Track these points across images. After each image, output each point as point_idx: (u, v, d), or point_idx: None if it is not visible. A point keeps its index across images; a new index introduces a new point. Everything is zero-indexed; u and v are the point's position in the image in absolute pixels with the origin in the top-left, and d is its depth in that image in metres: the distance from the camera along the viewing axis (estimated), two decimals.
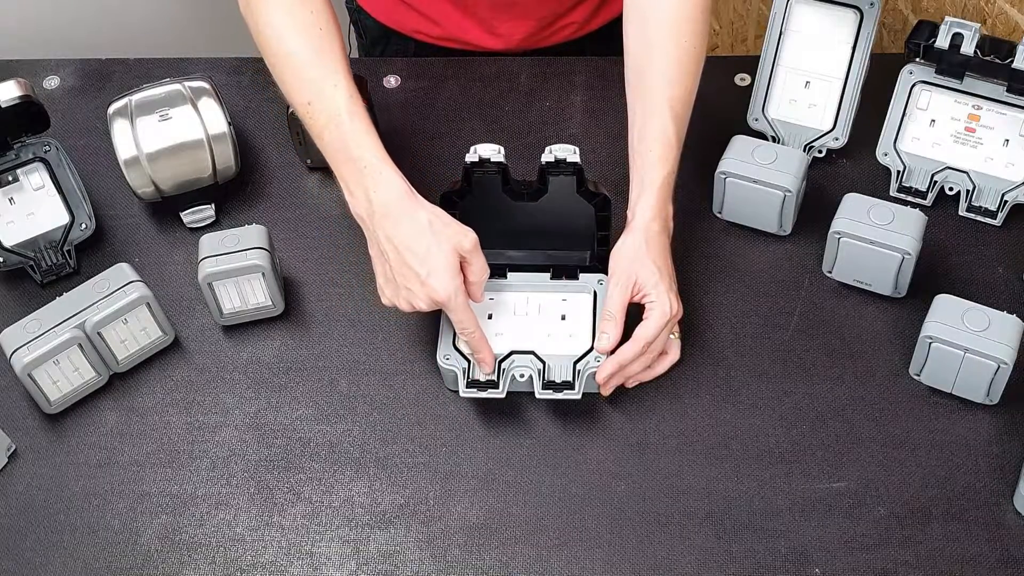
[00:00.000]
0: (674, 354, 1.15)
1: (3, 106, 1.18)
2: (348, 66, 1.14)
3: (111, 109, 1.24)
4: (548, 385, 1.10)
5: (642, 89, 1.16)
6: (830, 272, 1.19)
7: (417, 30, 1.44)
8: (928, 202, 1.25)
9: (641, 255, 1.10)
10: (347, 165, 1.11)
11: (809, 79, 1.27)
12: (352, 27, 1.55)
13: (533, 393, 1.10)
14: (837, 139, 1.27)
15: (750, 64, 1.34)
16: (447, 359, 1.12)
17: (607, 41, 1.36)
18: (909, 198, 1.25)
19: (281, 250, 1.24)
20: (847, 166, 1.29)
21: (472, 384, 1.11)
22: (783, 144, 1.28)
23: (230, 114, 1.26)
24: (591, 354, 1.11)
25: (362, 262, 1.24)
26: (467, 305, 1.09)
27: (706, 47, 1.18)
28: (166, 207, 1.28)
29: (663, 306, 1.09)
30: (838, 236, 1.15)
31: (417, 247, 1.07)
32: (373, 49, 1.51)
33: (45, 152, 1.25)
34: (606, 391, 1.12)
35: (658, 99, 1.14)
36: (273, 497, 1.10)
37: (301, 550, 1.07)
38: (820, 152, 1.29)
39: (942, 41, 1.18)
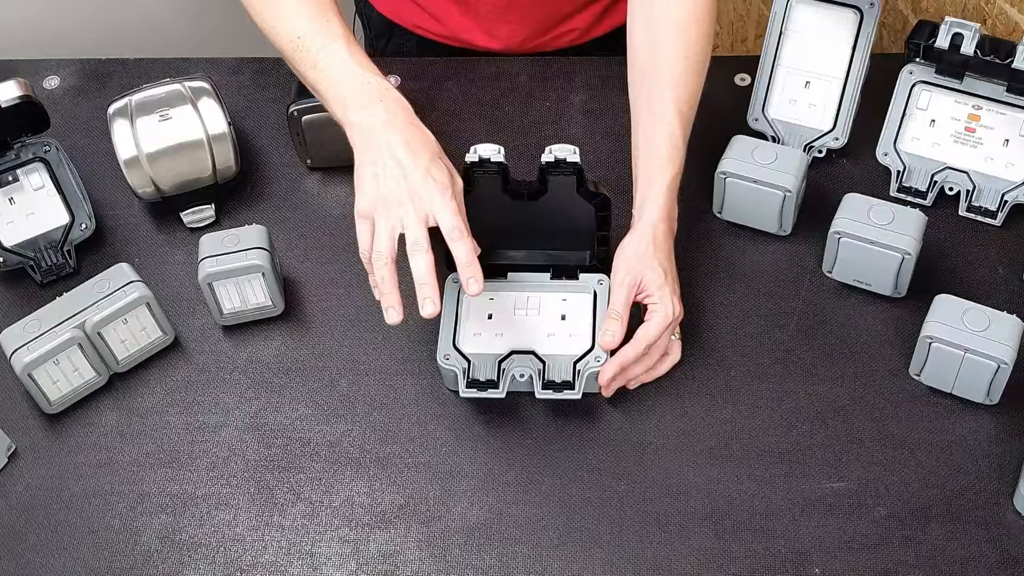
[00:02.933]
0: (675, 354, 1.15)
1: (3, 106, 1.18)
2: (338, 7, 1.14)
3: (111, 109, 1.24)
4: (548, 385, 1.10)
5: (648, 89, 1.16)
6: (830, 272, 1.19)
7: (418, 25, 1.44)
8: (928, 202, 1.25)
9: (647, 256, 1.10)
10: (350, 82, 1.10)
11: (809, 79, 1.27)
12: (357, 18, 1.56)
13: (533, 393, 1.11)
14: (837, 139, 1.27)
15: (750, 64, 1.34)
16: (447, 359, 1.12)
17: (610, 49, 1.36)
18: (909, 198, 1.25)
19: (281, 250, 1.24)
20: (847, 166, 1.29)
21: (472, 384, 1.11)
22: (783, 144, 1.28)
23: (230, 114, 1.26)
24: (591, 354, 1.11)
25: (362, 262, 1.24)
26: (461, 206, 1.07)
27: (711, 48, 1.19)
28: (166, 207, 1.28)
29: (666, 309, 1.09)
30: (838, 236, 1.15)
31: (431, 150, 1.08)
32: (377, 42, 1.52)
33: (45, 152, 1.25)
34: (607, 392, 1.12)
35: (665, 100, 1.14)
36: (273, 497, 1.10)
37: (301, 550, 1.07)
38: (820, 152, 1.29)
39: (942, 41, 1.18)
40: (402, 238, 1.06)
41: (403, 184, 1.06)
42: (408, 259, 1.05)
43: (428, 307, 1.04)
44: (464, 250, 1.05)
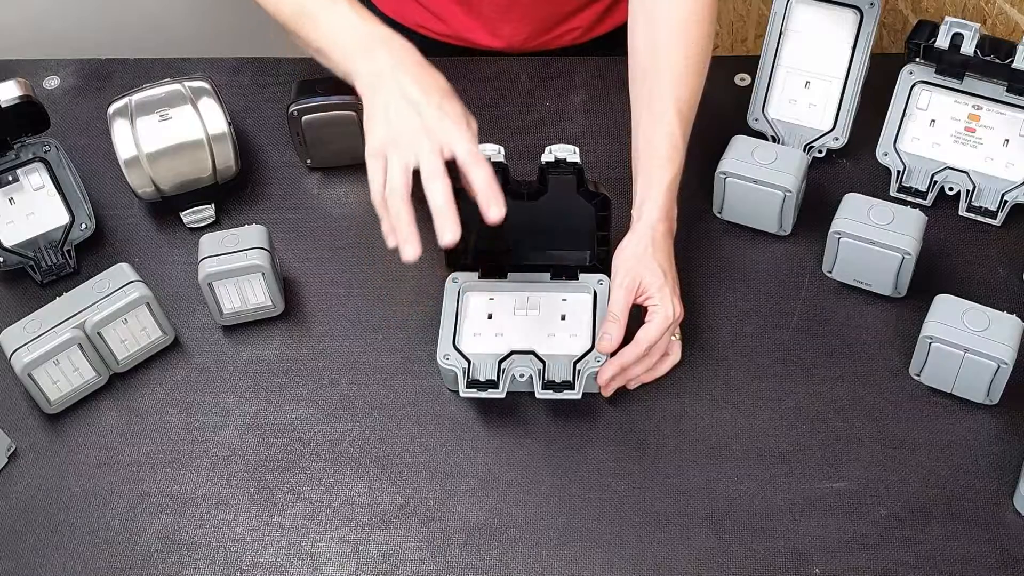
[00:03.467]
0: (675, 355, 1.15)
1: (3, 106, 1.18)
2: None
3: (111, 109, 1.24)
4: (548, 385, 1.10)
5: (648, 89, 1.16)
6: (830, 272, 1.19)
7: (421, 24, 1.44)
8: (928, 202, 1.25)
9: (647, 257, 1.10)
10: (354, 33, 1.10)
11: (809, 79, 1.27)
12: None
13: (533, 393, 1.10)
14: (837, 139, 1.27)
15: (750, 64, 1.34)
16: (447, 359, 1.12)
17: (612, 48, 1.36)
18: (909, 198, 1.25)
19: (281, 250, 1.24)
20: (847, 166, 1.29)
21: (472, 384, 1.11)
22: (783, 144, 1.28)
23: (230, 114, 1.26)
24: (591, 354, 1.11)
25: (362, 262, 1.24)
26: (476, 143, 1.05)
27: (711, 48, 1.19)
28: (166, 207, 1.28)
29: (666, 310, 1.09)
30: (838, 236, 1.15)
31: (442, 88, 1.07)
32: None
33: (45, 152, 1.25)
34: (607, 392, 1.12)
35: (665, 99, 1.14)
36: (273, 497, 1.10)
37: (301, 550, 1.07)
38: (820, 152, 1.29)
39: (942, 41, 1.18)
40: (415, 178, 1.03)
41: (417, 120, 1.04)
42: (424, 189, 1.02)
43: (447, 235, 1.01)
44: (483, 174, 1.03)
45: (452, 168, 1.05)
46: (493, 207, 1.02)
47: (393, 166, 1.04)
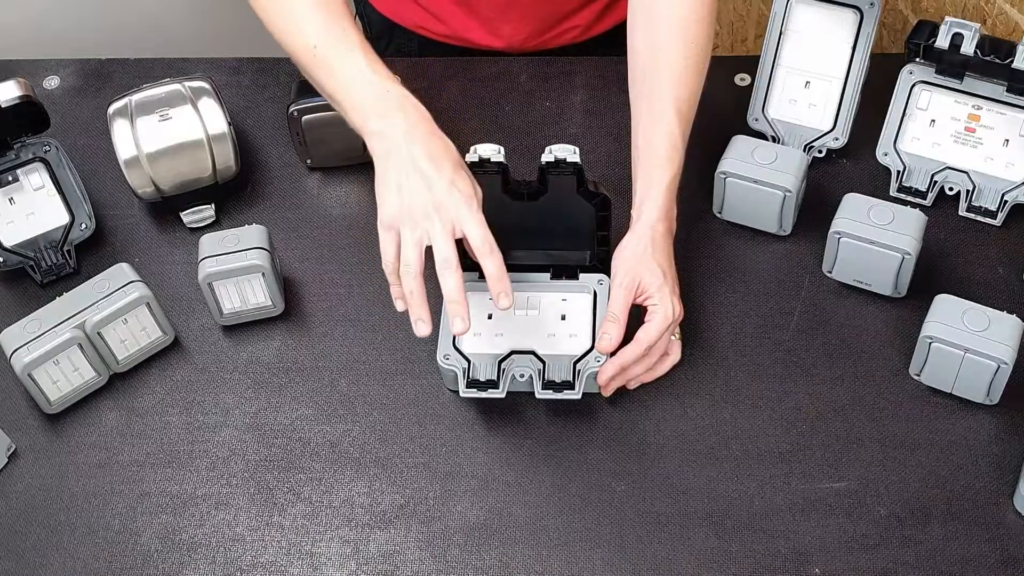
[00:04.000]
0: (675, 355, 1.15)
1: (3, 106, 1.18)
2: (351, 14, 1.14)
3: (111, 109, 1.24)
4: (548, 385, 1.10)
5: (648, 89, 1.16)
6: (830, 272, 1.19)
7: (420, 25, 1.44)
8: (928, 202, 1.25)
9: (646, 257, 1.10)
10: (370, 90, 1.10)
11: (809, 79, 1.27)
12: (357, 19, 1.56)
13: (533, 393, 1.10)
14: (837, 139, 1.27)
15: (750, 64, 1.34)
16: (447, 359, 1.12)
17: (611, 46, 1.36)
18: (909, 198, 1.25)
19: (281, 250, 1.24)
20: (847, 166, 1.29)
21: (472, 384, 1.11)
22: (783, 144, 1.28)
23: (230, 114, 1.26)
24: (591, 354, 1.11)
25: (362, 262, 1.24)
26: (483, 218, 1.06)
27: (711, 48, 1.19)
28: (166, 207, 1.28)
29: (666, 310, 1.09)
30: (838, 236, 1.15)
31: (453, 161, 1.07)
32: (377, 43, 1.51)
33: (45, 152, 1.25)
34: (607, 392, 1.12)
35: (665, 99, 1.14)
36: (273, 497, 1.10)
37: (301, 550, 1.07)
38: (820, 152, 1.29)
39: (942, 41, 1.18)
40: (428, 251, 1.05)
41: (428, 195, 1.05)
42: (437, 275, 1.04)
43: (458, 325, 1.05)
44: (495, 265, 1.06)
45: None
46: (503, 298, 1.06)
47: (407, 243, 1.05)
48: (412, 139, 1.07)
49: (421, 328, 1.06)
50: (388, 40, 1.50)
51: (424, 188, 1.06)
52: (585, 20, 1.43)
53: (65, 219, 1.24)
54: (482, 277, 1.17)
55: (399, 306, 1.08)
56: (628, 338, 1.10)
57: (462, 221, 1.05)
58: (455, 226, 1.05)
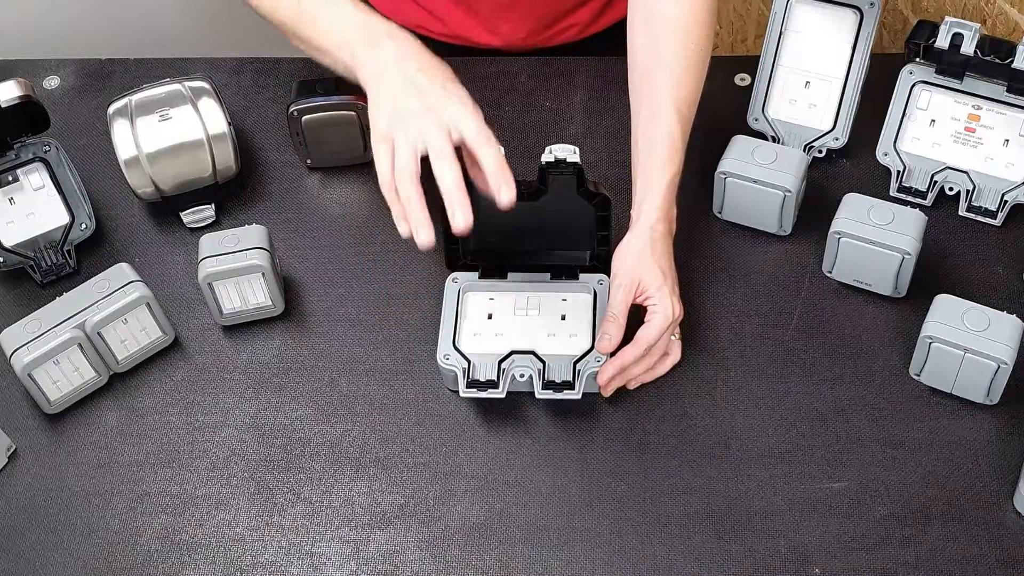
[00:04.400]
0: (675, 354, 1.15)
1: (3, 106, 1.18)
2: None
3: (111, 109, 1.24)
4: (548, 385, 1.10)
5: (648, 89, 1.16)
6: (830, 272, 1.19)
7: (420, 25, 1.44)
8: (928, 202, 1.25)
9: (645, 257, 1.10)
10: (355, 24, 1.09)
11: (809, 79, 1.27)
12: None
13: (533, 393, 1.10)
14: (837, 139, 1.27)
15: (750, 64, 1.34)
16: (447, 359, 1.12)
17: (611, 43, 1.36)
18: (909, 198, 1.25)
19: (281, 250, 1.24)
20: (847, 166, 1.29)
21: (472, 384, 1.11)
22: (783, 144, 1.28)
23: (230, 114, 1.26)
24: (591, 354, 1.11)
25: (362, 262, 1.24)
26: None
27: (711, 48, 1.18)
28: (166, 207, 1.28)
29: (665, 310, 1.09)
30: (838, 236, 1.15)
31: (445, 73, 1.06)
32: None
33: (45, 152, 1.25)
34: (607, 392, 1.12)
35: (664, 99, 1.14)
36: (273, 497, 1.10)
37: (301, 550, 1.07)
38: (820, 152, 1.29)
39: (942, 41, 1.18)
40: (424, 163, 1.02)
41: (420, 101, 1.03)
42: (433, 170, 1.00)
43: (459, 219, 0.99)
44: (492, 154, 1.01)
45: (459, 158, 1.04)
46: (504, 190, 0.99)
47: (401, 148, 1.02)
48: (404, 59, 1.06)
49: (423, 236, 0.99)
50: None
51: (416, 95, 1.04)
52: (584, 18, 1.43)
53: (65, 219, 1.24)
54: (482, 276, 1.17)
55: (402, 229, 1.02)
56: (628, 338, 1.10)
57: (456, 118, 1.02)
58: (451, 129, 1.02)
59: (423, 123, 1.02)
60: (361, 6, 1.13)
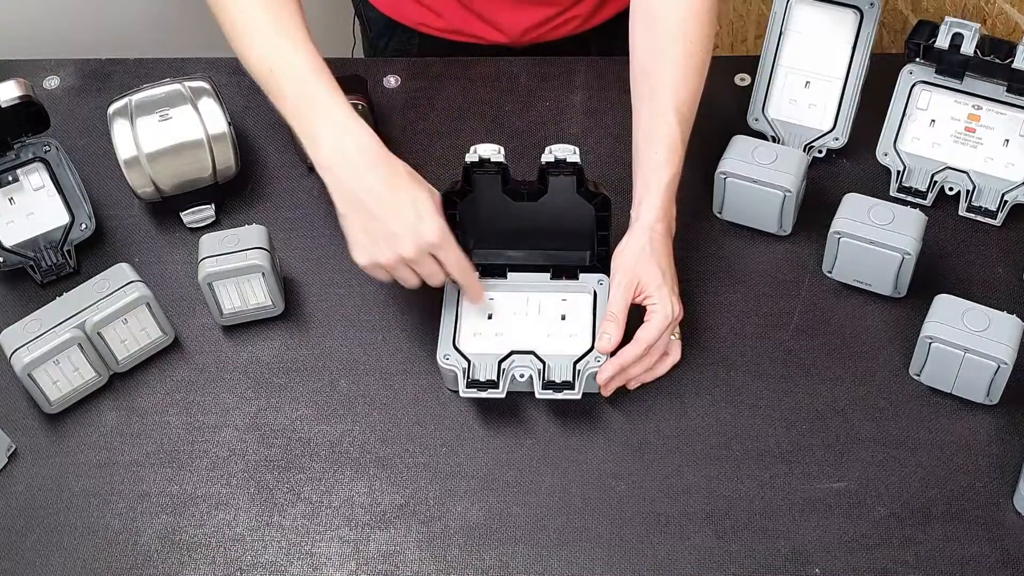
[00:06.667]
0: (675, 354, 1.15)
1: (3, 106, 1.18)
2: (308, 33, 1.13)
3: (111, 109, 1.24)
4: (548, 385, 1.10)
5: (648, 89, 1.16)
6: (830, 272, 1.19)
7: (421, 22, 1.44)
8: (928, 202, 1.25)
9: (645, 257, 1.10)
10: (315, 118, 1.10)
11: (809, 79, 1.27)
12: (356, 19, 1.55)
13: (533, 393, 1.10)
14: (837, 139, 1.27)
15: (750, 64, 1.34)
16: (447, 359, 1.12)
17: (612, 36, 1.36)
18: (909, 198, 1.25)
19: (281, 250, 1.24)
20: (847, 166, 1.29)
21: (472, 384, 1.11)
22: (783, 144, 1.28)
23: (230, 114, 1.26)
24: (591, 354, 1.11)
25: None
26: (456, 242, 1.09)
27: (712, 48, 1.18)
28: (166, 207, 1.28)
29: (665, 309, 1.09)
30: (838, 236, 1.15)
31: (403, 191, 1.07)
32: (378, 41, 1.51)
33: (45, 152, 1.25)
34: (607, 392, 1.12)
35: (665, 100, 1.14)
36: (273, 497, 1.10)
37: (301, 550, 1.07)
38: (820, 152, 1.29)
39: (942, 41, 1.18)
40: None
41: (382, 221, 1.07)
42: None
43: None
44: (453, 261, 1.10)
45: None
46: (468, 294, 1.14)
47: (399, 276, 1.09)
48: (358, 174, 1.08)
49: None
50: (388, 38, 1.49)
51: (376, 214, 1.07)
52: (585, 10, 1.42)
53: (65, 219, 1.24)
54: (482, 276, 1.17)
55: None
56: (628, 338, 1.10)
57: (416, 233, 1.07)
58: (417, 242, 1.07)
59: (395, 247, 1.07)
60: (328, 80, 1.11)
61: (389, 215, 1.07)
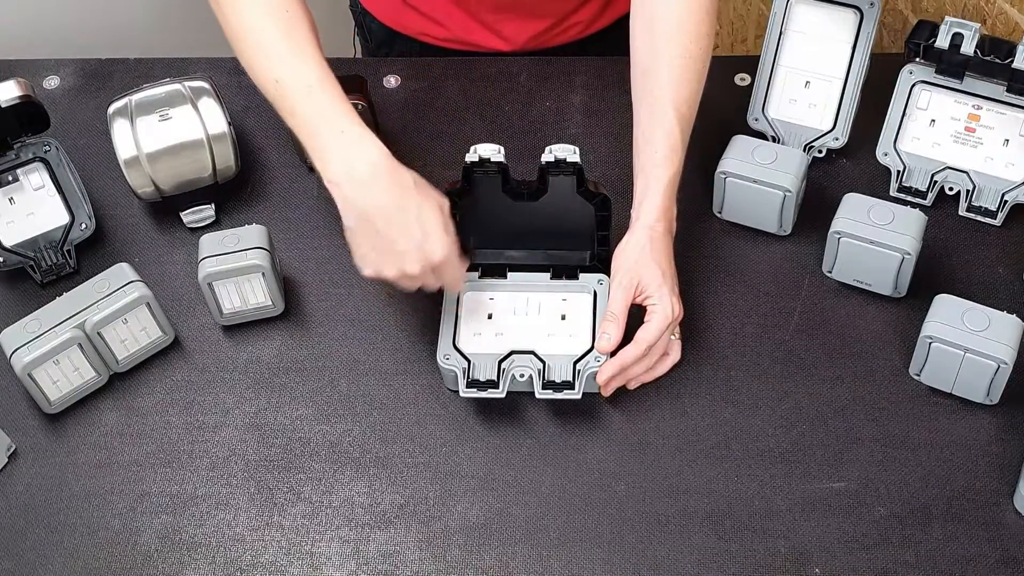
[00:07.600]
0: (675, 354, 1.15)
1: (3, 106, 1.18)
2: (318, 46, 1.13)
3: (111, 109, 1.24)
4: (548, 385, 1.10)
5: (648, 89, 1.16)
6: (830, 272, 1.19)
7: (422, 32, 1.44)
8: (928, 202, 1.25)
9: (645, 256, 1.10)
10: (324, 133, 1.09)
11: (809, 79, 1.27)
12: (357, 30, 1.55)
13: (533, 393, 1.10)
14: (837, 139, 1.27)
15: (750, 64, 1.34)
16: (447, 359, 1.12)
17: (612, 41, 1.36)
18: (909, 198, 1.25)
19: (281, 250, 1.24)
20: (847, 166, 1.29)
21: (472, 384, 1.11)
22: (783, 144, 1.28)
23: (230, 114, 1.26)
24: (591, 354, 1.11)
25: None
26: (460, 262, 1.10)
27: (711, 48, 1.18)
28: (166, 207, 1.28)
29: (665, 309, 1.09)
30: (838, 236, 1.15)
31: (410, 209, 1.07)
32: (378, 52, 1.51)
33: (45, 152, 1.25)
34: (607, 392, 1.12)
35: (664, 100, 1.14)
36: (273, 497, 1.10)
37: (301, 550, 1.07)
38: (820, 152, 1.29)
39: (942, 41, 1.18)
40: None
41: (400, 262, 1.07)
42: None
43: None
44: (451, 280, 1.11)
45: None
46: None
47: (387, 272, 1.08)
48: (365, 190, 1.07)
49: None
50: (390, 49, 1.49)
51: (384, 233, 1.07)
52: (587, 16, 1.42)
53: (65, 219, 1.24)
54: (482, 276, 1.17)
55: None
56: (628, 338, 1.10)
57: (423, 253, 1.07)
58: (422, 261, 1.07)
59: (401, 264, 1.07)
60: (336, 92, 1.11)
61: (396, 233, 1.07)
